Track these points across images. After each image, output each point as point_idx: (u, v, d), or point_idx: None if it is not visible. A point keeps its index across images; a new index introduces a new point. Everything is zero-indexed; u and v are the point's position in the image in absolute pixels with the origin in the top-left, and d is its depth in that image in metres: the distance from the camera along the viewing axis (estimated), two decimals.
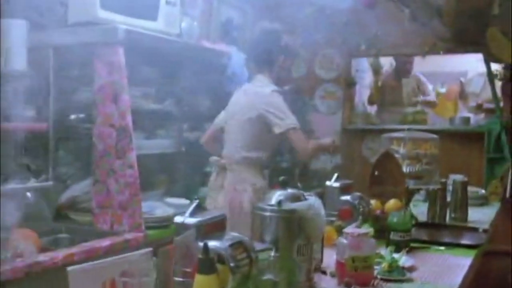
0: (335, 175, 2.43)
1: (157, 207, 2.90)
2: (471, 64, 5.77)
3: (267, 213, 1.64)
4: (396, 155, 2.82)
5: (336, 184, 2.36)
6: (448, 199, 3.03)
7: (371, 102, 5.47)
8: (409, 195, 2.85)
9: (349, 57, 5.26)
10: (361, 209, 2.27)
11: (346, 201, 2.31)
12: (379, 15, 4.99)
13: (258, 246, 1.59)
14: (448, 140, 4.85)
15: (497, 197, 4.45)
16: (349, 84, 5.21)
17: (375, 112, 5.63)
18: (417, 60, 5.71)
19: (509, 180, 4.45)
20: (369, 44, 5.10)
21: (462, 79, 6.15)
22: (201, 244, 1.27)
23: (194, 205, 1.47)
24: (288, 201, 1.66)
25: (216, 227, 1.46)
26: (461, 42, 4.74)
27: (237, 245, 1.42)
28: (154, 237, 2.64)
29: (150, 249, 1.35)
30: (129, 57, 2.96)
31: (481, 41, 4.66)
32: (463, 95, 6.13)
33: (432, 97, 5.66)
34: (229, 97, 3.67)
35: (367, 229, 1.75)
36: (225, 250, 1.37)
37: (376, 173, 2.61)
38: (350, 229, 1.75)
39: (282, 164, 4.89)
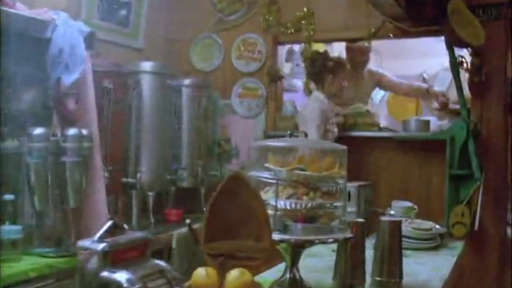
0: (110, 222, 1.21)
1: None
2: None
3: None
4: (270, 180, 1.61)
5: (98, 246, 1.13)
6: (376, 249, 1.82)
7: None
8: (294, 253, 1.63)
9: (274, 44, 4.07)
10: None
11: (111, 281, 1.08)
12: None
13: None
14: (399, 151, 3.70)
15: (463, 228, 3.27)
16: (274, 78, 4.01)
17: None
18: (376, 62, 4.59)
19: (478, 206, 3.27)
20: (299, 26, 3.93)
21: (425, 75, 5.01)
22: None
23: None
24: None
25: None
26: (416, 21, 3.59)
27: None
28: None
29: None
30: None
31: (441, 20, 3.51)
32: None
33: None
34: (59, 87, 2.48)
35: None
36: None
37: (214, 216, 1.39)
38: None
39: (182, 182, 3.67)
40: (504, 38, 3.44)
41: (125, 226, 3.01)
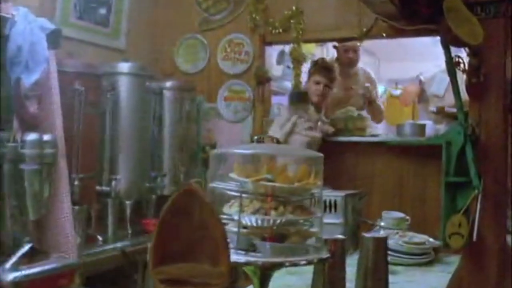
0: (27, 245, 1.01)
1: None
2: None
3: None
4: (233, 193, 1.41)
5: (9, 275, 0.93)
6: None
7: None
8: (263, 275, 1.43)
9: (262, 44, 3.88)
10: None
11: None
12: None
13: None
14: (392, 157, 3.50)
15: (461, 239, 3.05)
16: (261, 80, 3.83)
17: None
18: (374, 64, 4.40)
19: (476, 215, 3.05)
20: (287, 25, 3.74)
21: (422, 78, 4.81)
22: None
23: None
24: None
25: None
26: (410, 19, 3.40)
27: None
28: None
29: None
30: None
31: (437, 18, 3.32)
32: (422, 97, 4.78)
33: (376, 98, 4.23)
34: (18, 88, 2.29)
35: None
36: None
37: (164, 236, 1.20)
38: None
39: (163, 190, 3.48)
40: (504, 36, 3.22)
41: (99, 237, 2.81)
